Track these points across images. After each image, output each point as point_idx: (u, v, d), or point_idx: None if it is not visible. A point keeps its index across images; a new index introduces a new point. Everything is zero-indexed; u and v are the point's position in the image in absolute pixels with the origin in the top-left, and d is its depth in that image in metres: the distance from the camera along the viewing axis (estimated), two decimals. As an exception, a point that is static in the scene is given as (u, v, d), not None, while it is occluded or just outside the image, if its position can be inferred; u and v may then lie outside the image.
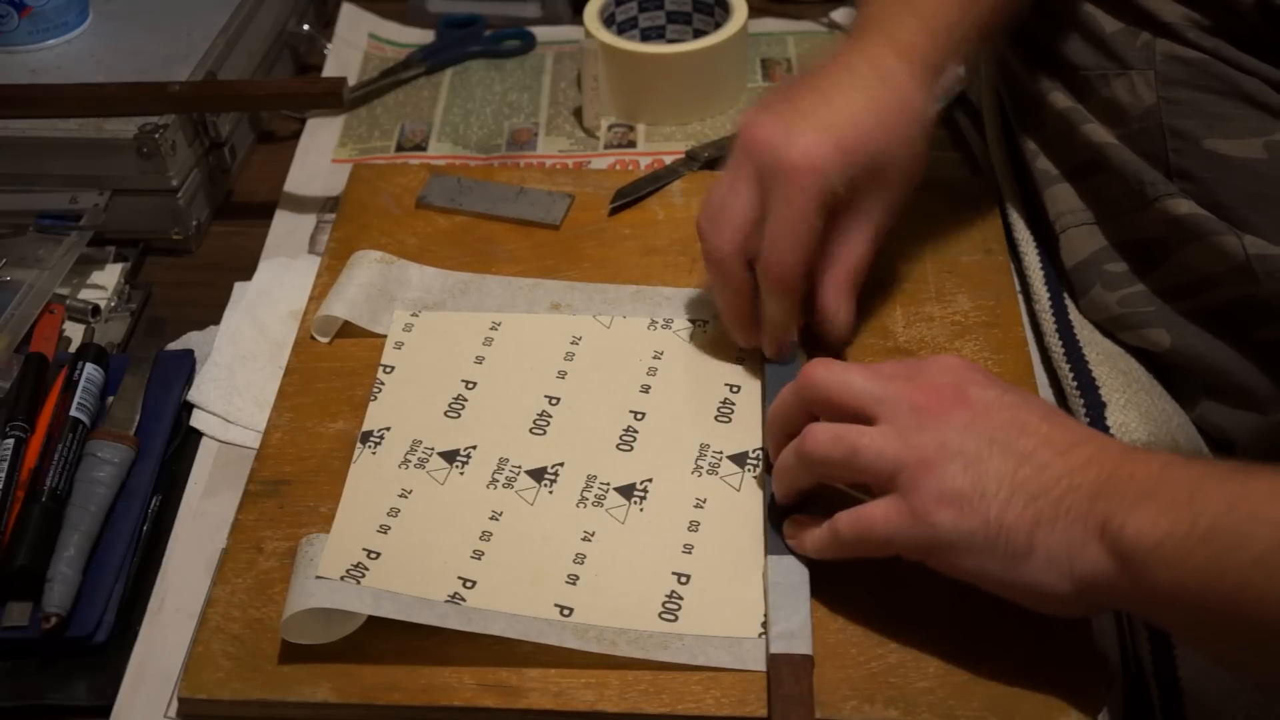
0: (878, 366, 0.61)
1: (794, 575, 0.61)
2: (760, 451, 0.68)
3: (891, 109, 0.68)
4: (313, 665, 0.60)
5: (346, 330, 0.75)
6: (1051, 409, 0.58)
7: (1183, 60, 0.72)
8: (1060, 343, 0.73)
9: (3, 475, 0.67)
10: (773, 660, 0.58)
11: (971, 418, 0.56)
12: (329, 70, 1.02)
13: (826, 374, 0.60)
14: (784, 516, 0.62)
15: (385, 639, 0.60)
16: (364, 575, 0.62)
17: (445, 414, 0.71)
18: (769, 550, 0.62)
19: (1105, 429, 0.68)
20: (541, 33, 1.04)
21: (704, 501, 0.66)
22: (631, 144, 0.93)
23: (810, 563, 0.61)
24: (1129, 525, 0.50)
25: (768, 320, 0.69)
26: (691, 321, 0.75)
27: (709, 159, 0.88)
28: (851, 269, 0.70)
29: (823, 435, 0.59)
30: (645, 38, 0.98)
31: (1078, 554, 0.52)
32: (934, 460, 0.55)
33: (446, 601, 0.61)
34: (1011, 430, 0.56)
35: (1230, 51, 0.71)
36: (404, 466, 0.68)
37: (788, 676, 0.57)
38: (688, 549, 0.64)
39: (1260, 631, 0.47)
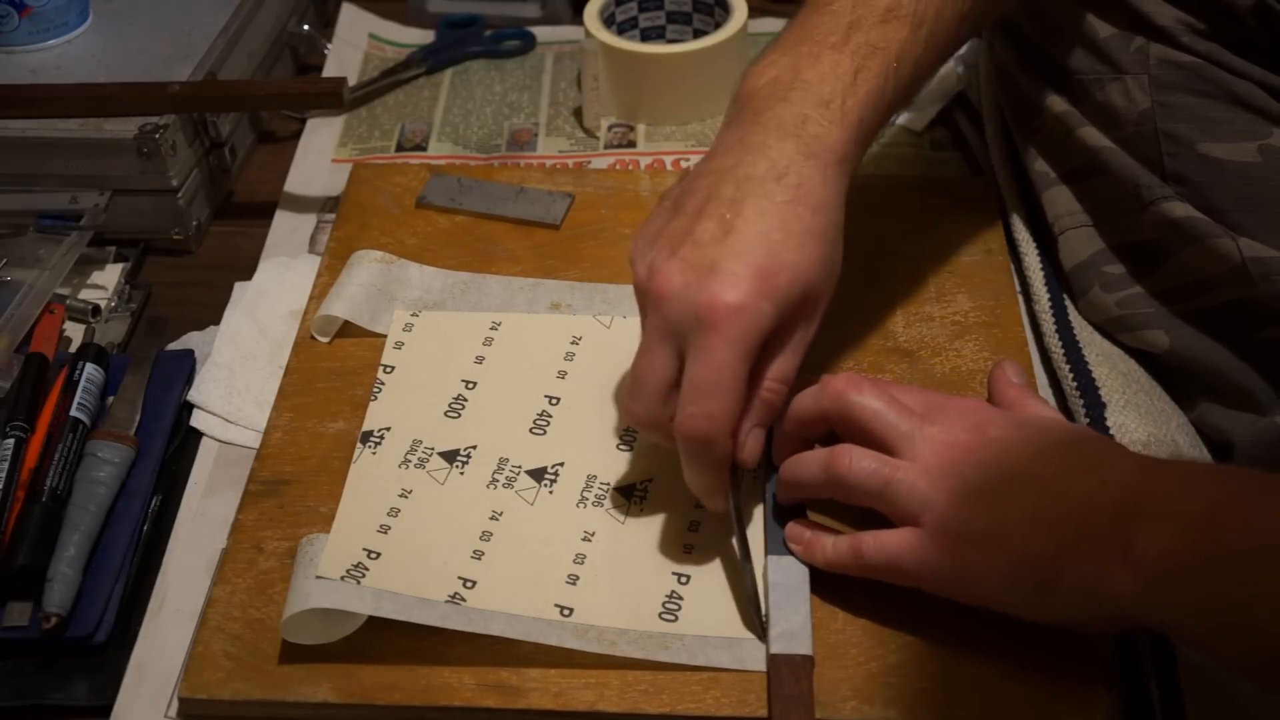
0: (901, 396, 0.61)
1: (794, 575, 0.61)
2: None
3: (795, 208, 0.59)
4: (313, 665, 0.60)
5: (346, 330, 0.75)
6: (1069, 435, 0.59)
7: (1176, 65, 0.72)
8: (1060, 343, 0.74)
9: (3, 475, 0.67)
10: (773, 660, 0.58)
11: (992, 455, 0.57)
12: (329, 70, 1.02)
13: (859, 398, 0.60)
14: (785, 516, 0.63)
15: (385, 639, 0.60)
16: (364, 575, 0.62)
17: (445, 414, 0.71)
18: (769, 550, 0.62)
19: (1105, 429, 0.68)
20: (541, 33, 1.04)
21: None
22: (631, 144, 0.93)
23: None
24: (1152, 547, 0.50)
25: (694, 484, 0.61)
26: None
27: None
28: (770, 396, 0.61)
29: (860, 464, 0.59)
30: (645, 38, 0.98)
31: (1104, 578, 0.52)
32: (959, 500, 0.56)
33: (447, 602, 0.61)
34: (1031, 462, 0.57)
35: (1224, 55, 0.71)
36: (404, 466, 0.68)
37: (788, 677, 0.57)
38: (688, 549, 0.64)
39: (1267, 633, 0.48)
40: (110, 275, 0.83)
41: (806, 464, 0.61)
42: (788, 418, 0.63)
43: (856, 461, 0.59)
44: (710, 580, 0.62)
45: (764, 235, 0.59)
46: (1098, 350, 0.73)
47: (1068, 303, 0.76)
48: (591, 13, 0.93)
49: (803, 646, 0.58)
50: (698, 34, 0.96)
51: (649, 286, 0.60)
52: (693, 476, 0.61)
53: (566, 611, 0.61)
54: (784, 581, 0.61)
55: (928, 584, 0.58)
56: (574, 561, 0.63)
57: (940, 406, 0.60)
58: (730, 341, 0.57)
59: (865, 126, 0.63)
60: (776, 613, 0.60)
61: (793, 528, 0.62)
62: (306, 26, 1.04)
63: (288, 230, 0.88)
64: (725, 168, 0.61)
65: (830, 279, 0.62)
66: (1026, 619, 0.57)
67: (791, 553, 0.62)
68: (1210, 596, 0.49)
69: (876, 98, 0.63)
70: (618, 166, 0.91)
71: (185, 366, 0.76)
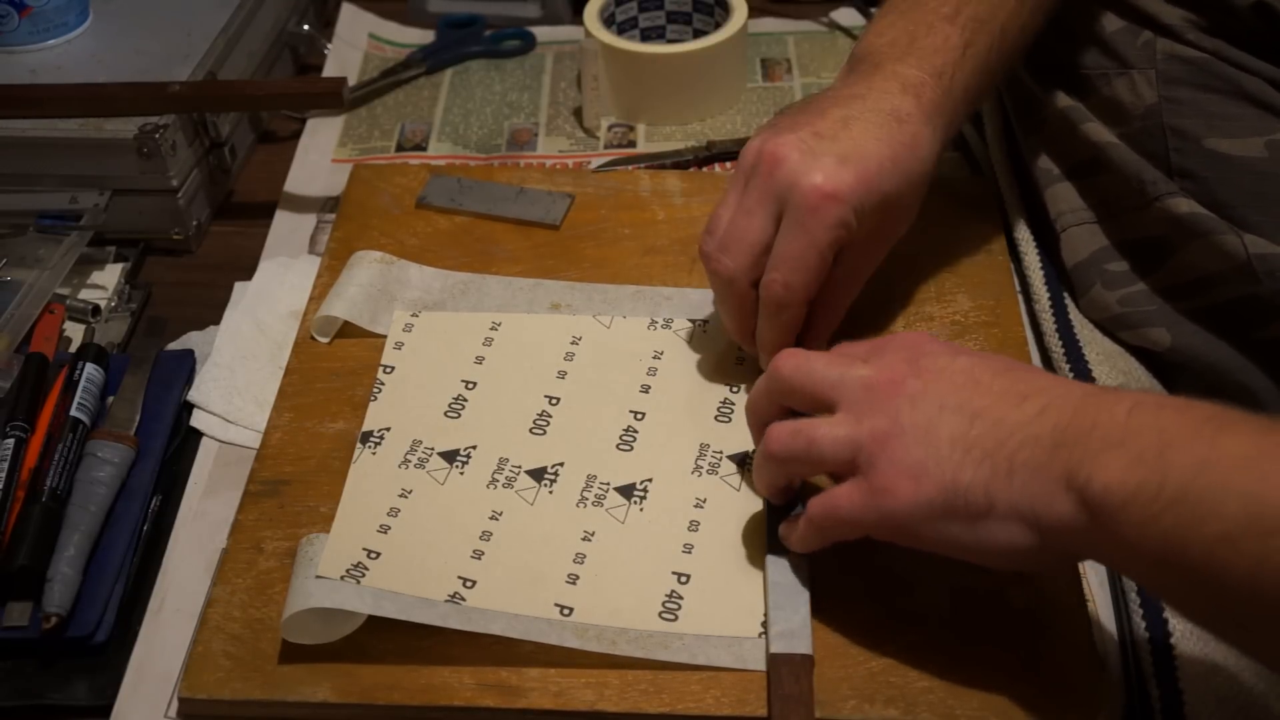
0: (842, 348, 0.60)
1: (794, 575, 0.61)
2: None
3: (905, 147, 0.66)
4: (313, 665, 0.60)
5: (346, 330, 0.75)
6: (1009, 364, 0.56)
7: (1184, 59, 0.72)
8: (1060, 342, 0.74)
9: (3, 475, 0.67)
10: (772, 660, 0.58)
11: (923, 386, 0.55)
12: (329, 70, 1.02)
13: (792, 364, 0.60)
14: (783, 515, 0.63)
15: (385, 639, 0.60)
16: (364, 575, 0.62)
17: (445, 414, 0.71)
18: (769, 550, 0.62)
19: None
20: (541, 33, 1.04)
21: (704, 501, 0.66)
22: (631, 144, 0.93)
23: (811, 563, 0.61)
24: (1097, 477, 0.49)
25: (762, 339, 0.68)
26: (691, 321, 0.75)
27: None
28: (839, 309, 0.69)
29: (781, 432, 0.59)
30: (645, 38, 0.98)
31: (1042, 505, 0.51)
32: (886, 436, 0.55)
33: (447, 601, 0.61)
34: (964, 391, 0.55)
35: (1231, 51, 0.71)
36: (404, 466, 0.68)
37: (787, 676, 0.57)
38: (688, 549, 0.64)
39: (1224, 600, 0.47)
40: (110, 275, 0.83)
41: (756, 454, 0.62)
42: (748, 413, 0.63)
43: (780, 431, 0.59)
44: (710, 580, 0.62)
45: (878, 155, 0.65)
46: (1098, 349, 0.73)
47: (1068, 302, 0.76)
48: (591, 13, 0.93)
49: (802, 646, 0.58)
50: (698, 34, 0.96)
51: (763, 151, 0.65)
52: (763, 330, 0.68)
53: (566, 611, 0.61)
54: (783, 581, 0.61)
55: (871, 531, 0.56)
56: (574, 561, 0.63)
57: (880, 346, 0.59)
58: (822, 225, 0.64)
59: (970, 95, 0.70)
60: (776, 612, 0.60)
61: (783, 526, 0.62)
62: (306, 26, 1.04)
63: (288, 230, 0.88)
64: (853, 95, 0.68)
65: (906, 224, 0.69)
66: (967, 559, 0.55)
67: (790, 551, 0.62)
68: (1154, 537, 0.47)
69: (982, 71, 0.70)
70: (618, 166, 0.90)
71: (185, 366, 0.76)
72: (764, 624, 0.60)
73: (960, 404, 0.54)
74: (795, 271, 0.65)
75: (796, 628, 0.59)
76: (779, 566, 0.61)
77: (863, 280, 0.70)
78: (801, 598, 0.60)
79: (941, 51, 0.69)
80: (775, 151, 0.65)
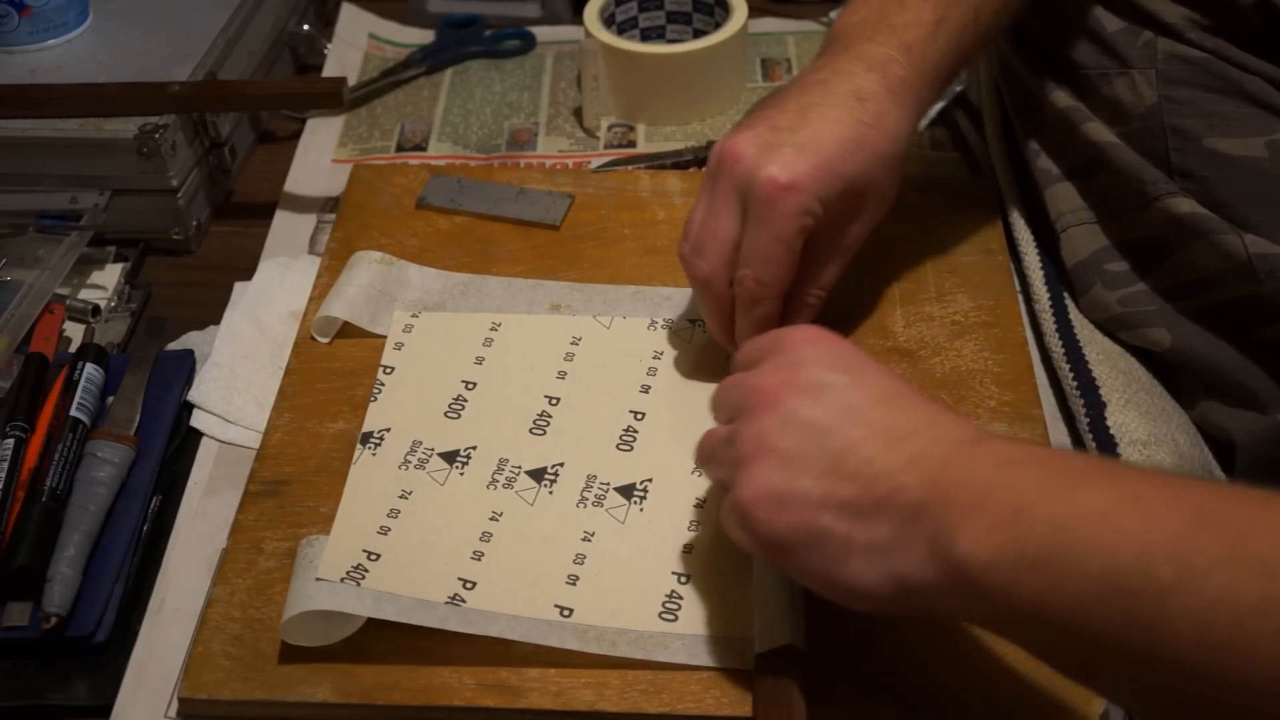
0: (748, 349, 0.59)
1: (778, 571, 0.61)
2: None
3: (870, 129, 0.66)
4: (313, 665, 0.60)
5: (346, 330, 0.75)
6: (892, 390, 0.54)
7: (1184, 59, 0.72)
8: (1060, 342, 0.73)
9: (3, 475, 0.67)
10: (758, 657, 0.58)
11: (796, 407, 0.53)
12: (329, 70, 1.02)
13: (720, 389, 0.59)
14: None
15: (385, 639, 0.60)
16: (364, 577, 0.62)
17: (445, 414, 0.71)
18: None
19: (1105, 429, 0.68)
20: (541, 33, 1.04)
21: (704, 501, 0.66)
22: (631, 144, 0.93)
23: None
24: (958, 542, 0.47)
25: (739, 335, 0.68)
26: (691, 322, 0.75)
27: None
28: (817, 295, 0.69)
29: (699, 444, 0.59)
30: (645, 38, 0.98)
31: (902, 564, 0.49)
32: (750, 458, 0.53)
33: (446, 603, 0.61)
34: (838, 417, 0.52)
35: (1232, 51, 0.71)
36: (404, 467, 0.68)
37: (767, 669, 0.57)
38: (688, 549, 0.64)
39: (1097, 660, 0.45)
40: (110, 275, 0.83)
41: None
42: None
43: (701, 441, 0.59)
44: (710, 580, 0.62)
45: (837, 139, 0.65)
46: (1098, 349, 0.73)
47: (1068, 302, 0.76)
48: (591, 13, 0.93)
49: (782, 637, 0.58)
50: (698, 34, 0.96)
51: (723, 150, 0.66)
52: (740, 326, 0.68)
53: (566, 612, 0.61)
54: (764, 574, 0.61)
55: (743, 547, 0.55)
56: (574, 562, 0.63)
57: (773, 343, 0.57)
58: (784, 217, 0.64)
59: (941, 73, 0.70)
60: (760, 607, 0.60)
61: None
62: (306, 26, 1.04)
63: (288, 230, 0.88)
64: (815, 81, 0.68)
65: (886, 182, 0.68)
66: (822, 594, 0.53)
67: None
68: (1020, 597, 0.45)
69: (954, 48, 0.70)
70: (618, 166, 0.90)
71: (185, 366, 0.76)
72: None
73: (833, 431, 0.52)
74: (764, 266, 0.65)
75: (780, 617, 0.59)
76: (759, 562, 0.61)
77: (842, 264, 0.69)
78: (782, 590, 0.60)
79: (912, 27, 0.69)
80: (733, 149, 0.65)
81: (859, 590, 0.51)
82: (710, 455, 0.58)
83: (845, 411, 0.53)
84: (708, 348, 0.74)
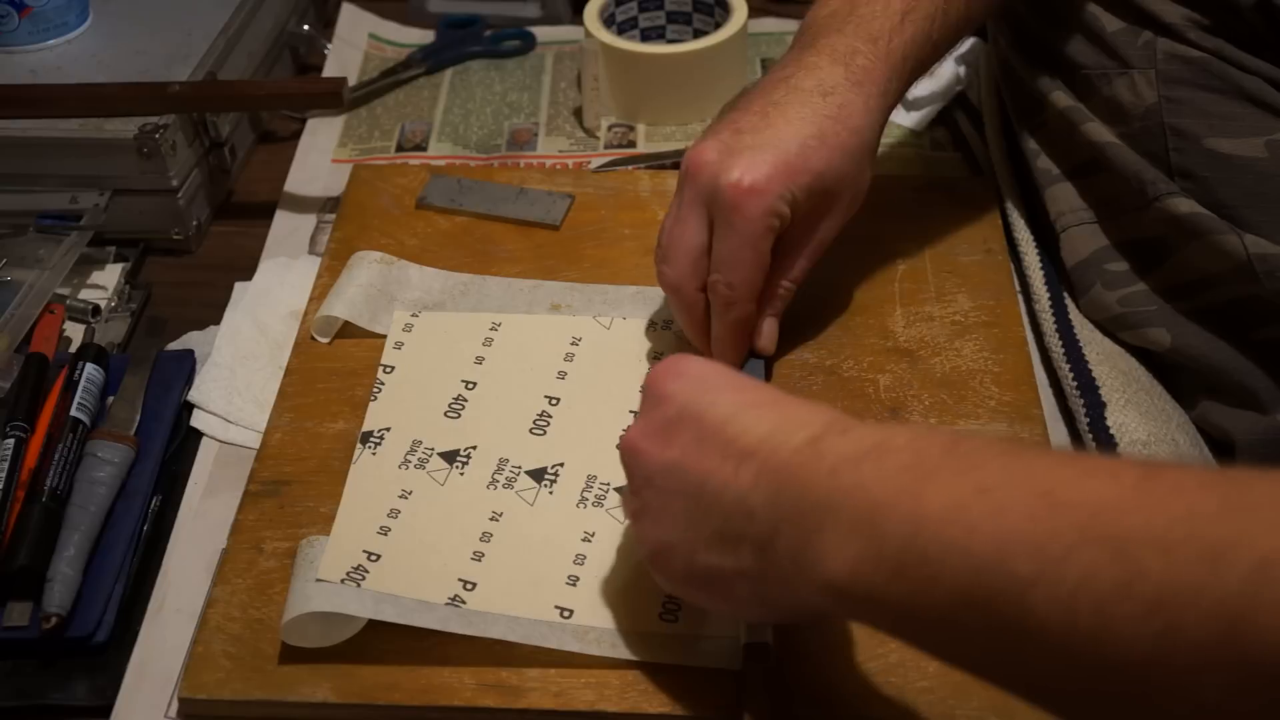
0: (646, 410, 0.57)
1: None
2: None
3: (834, 123, 0.66)
4: (313, 665, 0.60)
5: (346, 330, 0.75)
6: (741, 402, 0.52)
7: (1184, 59, 0.72)
8: (1060, 342, 0.73)
9: (3, 475, 0.67)
10: (743, 649, 0.58)
11: (655, 451, 0.53)
12: (329, 70, 1.02)
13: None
14: None
15: (385, 639, 0.60)
16: (364, 578, 0.62)
17: (445, 414, 0.71)
18: None
19: (1105, 429, 0.68)
20: (541, 33, 1.04)
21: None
22: (631, 144, 0.93)
23: None
24: (820, 561, 0.46)
25: (716, 338, 0.69)
26: (691, 321, 0.75)
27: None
28: (783, 293, 0.70)
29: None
30: (645, 38, 0.98)
31: (774, 587, 0.49)
32: (636, 515, 0.56)
33: (447, 604, 0.61)
34: (690, 452, 0.52)
35: (1232, 51, 0.71)
36: (404, 467, 0.68)
37: (751, 663, 0.57)
38: (688, 549, 0.64)
39: (977, 657, 0.44)
40: (110, 275, 0.83)
41: None
42: None
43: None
44: (710, 580, 0.62)
45: (799, 137, 0.65)
46: (1098, 349, 0.73)
47: (1068, 302, 0.76)
48: (591, 13, 0.93)
49: (761, 634, 0.58)
50: (698, 34, 0.96)
51: (688, 158, 0.66)
52: (716, 329, 0.68)
53: (566, 613, 0.61)
54: None
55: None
56: (574, 562, 0.63)
57: (650, 390, 0.56)
58: (749, 221, 0.64)
59: (909, 64, 0.69)
60: None
61: None
62: (306, 26, 1.04)
63: (288, 230, 0.88)
64: (780, 78, 0.68)
65: (852, 196, 0.68)
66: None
67: None
68: (890, 609, 0.45)
69: (923, 39, 0.69)
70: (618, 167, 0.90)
71: (185, 366, 0.76)
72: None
73: (685, 471, 0.52)
74: (734, 270, 0.66)
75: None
76: None
77: (814, 258, 0.69)
78: None
79: (880, 17, 0.69)
80: (696, 157, 0.66)
81: (756, 616, 0.54)
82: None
83: (696, 443, 0.52)
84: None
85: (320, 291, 0.78)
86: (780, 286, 0.69)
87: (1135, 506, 0.40)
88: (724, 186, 0.64)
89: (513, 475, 0.67)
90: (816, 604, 0.48)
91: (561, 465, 0.68)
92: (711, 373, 0.55)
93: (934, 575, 0.43)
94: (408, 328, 0.76)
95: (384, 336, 0.75)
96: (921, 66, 0.71)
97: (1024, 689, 0.44)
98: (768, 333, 0.70)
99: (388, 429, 0.70)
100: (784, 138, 0.65)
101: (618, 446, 0.57)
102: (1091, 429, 0.69)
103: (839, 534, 0.45)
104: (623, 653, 0.59)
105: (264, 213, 0.89)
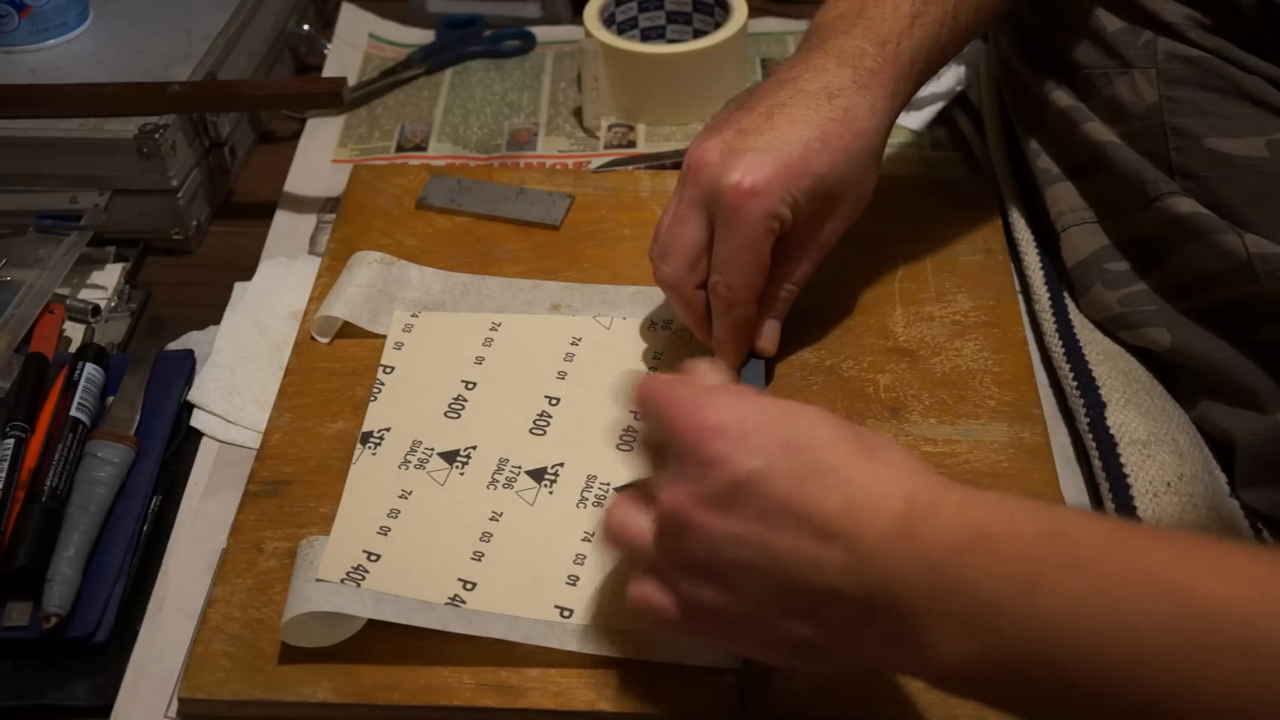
0: (650, 418, 0.54)
1: None
2: None
3: (838, 126, 0.65)
4: (313, 665, 0.60)
5: (346, 330, 0.75)
6: (807, 465, 0.48)
7: (1185, 59, 0.72)
8: (1060, 342, 0.73)
9: (3, 475, 0.67)
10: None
11: (714, 524, 0.49)
12: (329, 70, 1.02)
13: (647, 395, 0.54)
14: None
15: (385, 639, 0.60)
16: (364, 578, 0.62)
17: (445, 414, 0.71)
18: None
19: (1105, 429, 0.68)
20: (541, 33, 1.04)
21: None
22: (631, 144, 0.93)
23: None
24: (935, 651, 0.44)
25: (717, 339, 0.68)
26: (692, 321, 0.75)
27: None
28: (784, 295, 0.69)
29: (615, 533, 0.54)
30: (645, 38, 0.98)
31: (877, 661, 0.49)
32: (687, 583, 0.51)
33: (447, 604, 0.61)
34: (760, 526, 0.48)
35: (1232, 50, 0.71)
36: (404, 467, 0.68)
37: (749, 664, 0.58)
38: (688, 549, 0.64)
39: None
40: (110, 275, 0.83)
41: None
42: None
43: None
44: (710, 580, 0.62)
45: (803, 139, 0.64)
46: (1098, 349, 0.73)
47: (1068, 302, 0.76)
48: (591, 13, 0.93)
49: None
50: (698, 34, 0.96)
51: (689, 157, 0.66)
52: (717, 329, 0.68)
53: (566, 613, 0.61)
54: None
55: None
56: (574, 562, 0.63)
57: (670, 444, 0.51)
58: (749, 223, 0.64)
59: (917, 67, 0.69)
60: None
61: None
62: (306, 26, 1.04)
63: (288, 230, 0.88)
64: (787, 79, 0.67)
65: (856, 200, 0.68)
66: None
67: None
68: (1007, 697, 0.44)
69: (931, 42, 0.69)
70: (570, 165, 0.91)
71: (185, 366, 0.76)
72: None
73: (764, 545, 0.48)
74: (733, 272, 0.65)
75: None
76: None
77: (816, 261, 0.69)
78: None
79: (889, 20, 0.68)
80: (698, 156, 0.65)
81: (847, 673, 0.52)
82: (632, 552, 0.53)
83: (764, 516, 0.48)
84: (707, 349, 0.74)
85: (320, 291, 0.78)
86: (782, 289, 0.69)
87: (1274, 610, 0.39)
88: (725, 188, 0.64)
89: (513, 475, 0.67)
90: (919, 676, 0.47)
91: (561, 465, 0.68)
92: (751, 425, 0.49)
93: (1053, 683, 0.42)
94: (408, 328, 0.76)
95: (384, 336, 0.75)
96: (929, 70, 0.71)
97: None
98: (769, 334, 0.70)
99: (388, 429, 0.70)
100: (787, 140, 0.64)
101: (663, 514, 0.51)
102: (1091, 429, 0.69)
103: (951, 631, 0.44)
104: (623, 653, 0.59)
105: (264, 213, 0.89)
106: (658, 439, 0.53)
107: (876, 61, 0.67)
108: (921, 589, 0.44)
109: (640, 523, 0.52)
